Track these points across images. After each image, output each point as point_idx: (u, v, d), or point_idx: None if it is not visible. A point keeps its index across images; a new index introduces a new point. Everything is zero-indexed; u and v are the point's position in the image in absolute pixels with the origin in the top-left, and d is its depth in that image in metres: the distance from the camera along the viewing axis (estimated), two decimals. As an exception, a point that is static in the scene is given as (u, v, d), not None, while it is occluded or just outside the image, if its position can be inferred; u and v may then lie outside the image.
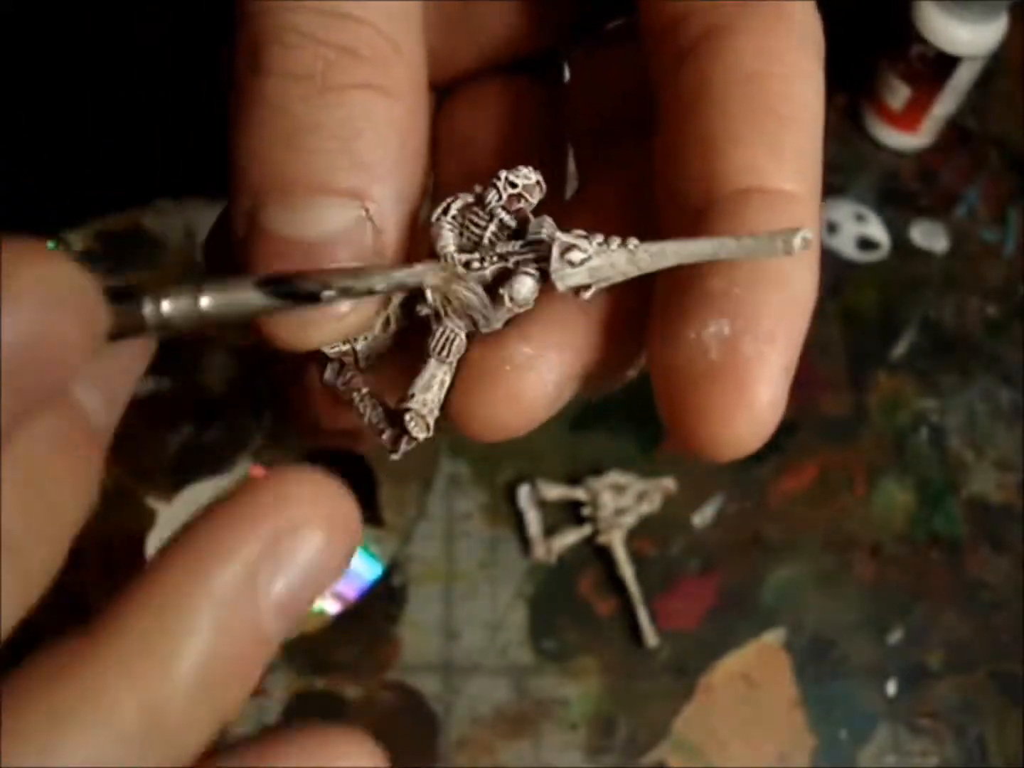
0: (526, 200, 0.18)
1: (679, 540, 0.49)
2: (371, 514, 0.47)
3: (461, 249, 0.18)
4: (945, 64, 0.54)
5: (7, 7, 0.53)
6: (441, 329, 0.18)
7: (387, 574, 0.46)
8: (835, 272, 0.56)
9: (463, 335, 0.18)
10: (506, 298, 0.17)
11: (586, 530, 0.49)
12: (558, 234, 0.17)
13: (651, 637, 0.47)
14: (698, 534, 0.50)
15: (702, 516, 0.50)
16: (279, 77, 0.17)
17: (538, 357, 0.17)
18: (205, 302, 0.16)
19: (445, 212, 0.18)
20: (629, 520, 0.48)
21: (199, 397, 0.48)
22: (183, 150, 0.52)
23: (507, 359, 0.17)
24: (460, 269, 0.17)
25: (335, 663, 0.46)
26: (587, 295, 0.17)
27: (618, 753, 0.46)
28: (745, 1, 0.18)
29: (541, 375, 0.17)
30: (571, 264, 0.16)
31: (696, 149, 0.17)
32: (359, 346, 0.19)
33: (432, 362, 0.18)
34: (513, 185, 0.18)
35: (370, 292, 0.17)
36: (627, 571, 0.48)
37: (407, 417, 0.18)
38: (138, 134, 0.53)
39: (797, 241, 0.15)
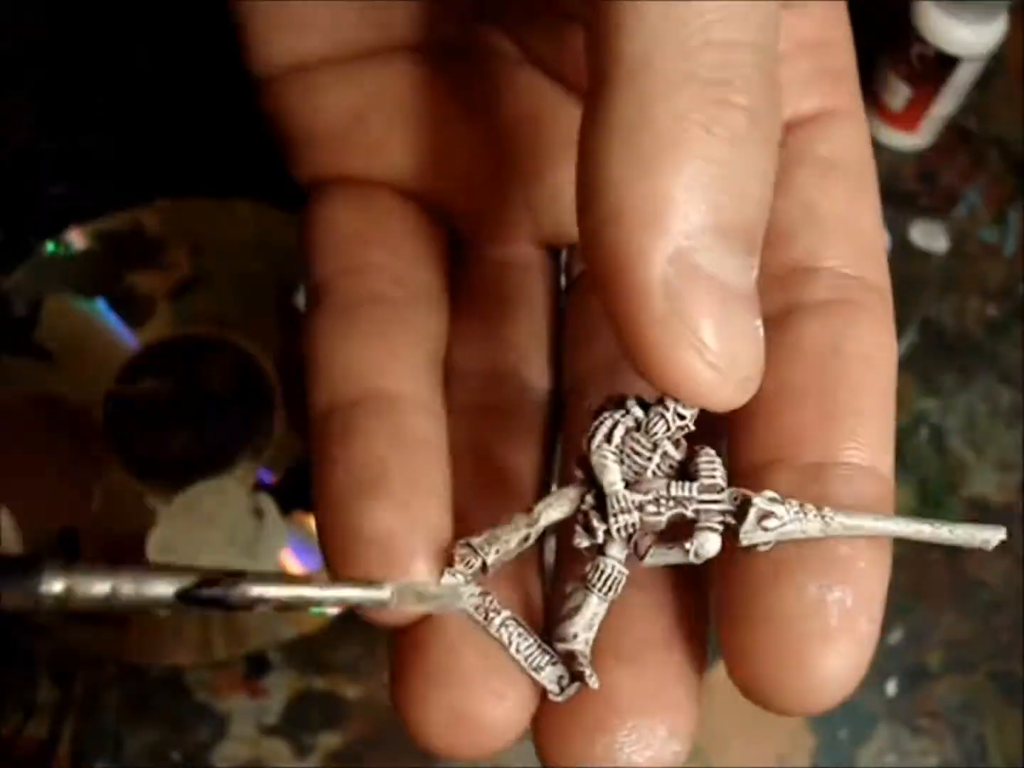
0: (688, 428, 0.17)
1: (679, 540, 0.49)
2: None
3: (624, 481, 0.17)
4: (945, 64, 0.54)
5: (9, 7, 0.53)
6: (607, 567, 0.17)
7: (387, 574, 0.46)
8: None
9: (625, 571, 0.17)
10: (691, 554, 0.17)
11: (586, 530, 0.48)
12: (756, 500, 0.16)
13: (651, 637, 0.47)
14: (698, 534, 0.50)
15: (702, 516, 0.50)
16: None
17: None
18: (113, 588, 0.14)
19: (608, 439, 0.17)
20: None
21: (199, 397, 0.48)
22: (183, 150, 0.52)
23: None
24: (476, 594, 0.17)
25: (335, 663, 0.46)
26: (764, 548, 0.17)
27: (618, 753, 0.46)
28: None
29: None
30: (764, 529, 0.16)
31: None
32: (490, 559, 0.17)
33: (594, 599, 0.17)
34: (682, 417, 0.17)
35: (309, 603, 0.16)
36: (627, 571, 0.48)
37: (579, 661, 0.17)
38: (138, 134, 0.53)
39: (996, 541, 0.16)
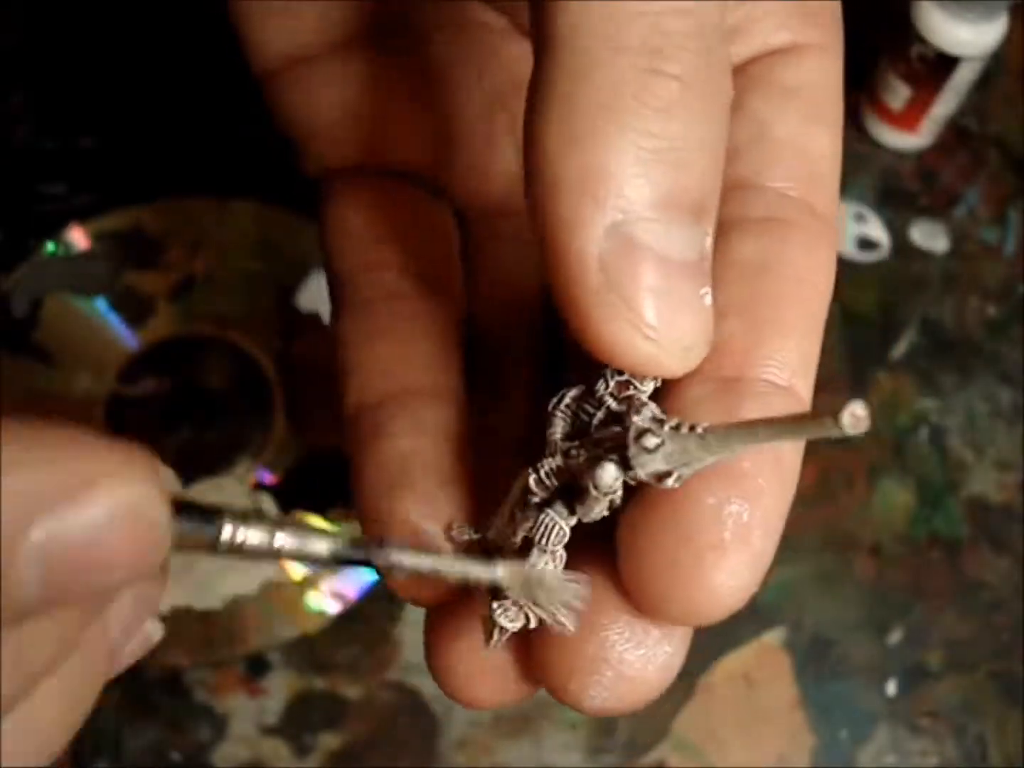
0: (635, 387, 0.18)
1: (679, 540, 0.49)
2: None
3: (568, 436, 0.18)
4: (945, 64, 0.54)
5: (9, 6, 0.53)
6: (543, 517, 0.18)
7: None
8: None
9: (564, 524, 0.18)
10: (591, 486, 0.17)
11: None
12: (635, 418, 0.16)
13: (651, 637, 0.47)
14: (698, 534, 0.50)
15: (702, 516, 0.50)
16: None
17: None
18: (279, 541, 0.16)
19: (559, 402, 0.18)
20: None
21: (199, 397, 0.48)
22: (183, 150, 0.52)
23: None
24: (534, 565, 0.17)
25: (335, 663, 0.46)
26: (670, 483, 0.16)
27: (618, 753, 0.46)
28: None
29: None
30: (647, 450, 0.16)
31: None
32: (491, 534, 0.19)
33: (535, 551, 0.18)
34: (620, 372, 0.17)
35: (436, 575, 0.17)
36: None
37: (495, 607, 0.18)
38: (138, 134, 0.53)
39: (846, 418, 0.15)
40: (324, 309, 0.49)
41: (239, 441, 0.47)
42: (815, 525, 0.50)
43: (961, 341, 0.55)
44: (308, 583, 0.45)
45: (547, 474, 0.18)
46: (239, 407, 0.48)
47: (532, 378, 0.22)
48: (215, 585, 0.45)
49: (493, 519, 0.19)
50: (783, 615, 0.48)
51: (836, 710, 0.47)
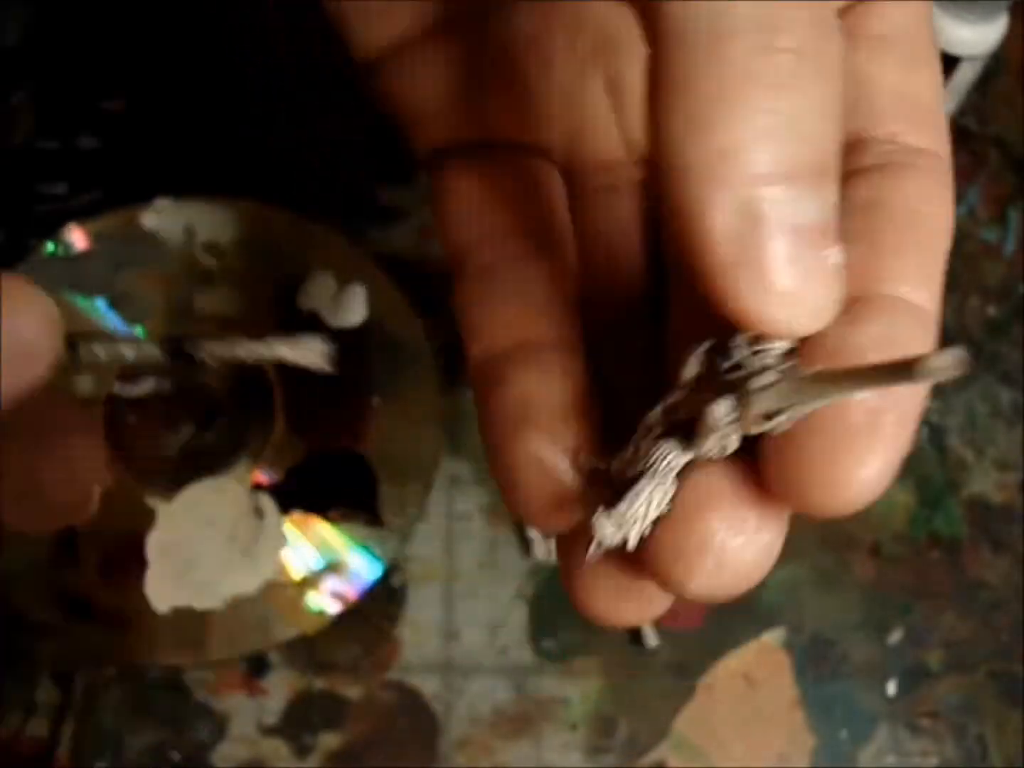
0: (767, 343, 0.18)
1: (679, 540, 0.49)
2: (371, 514, 0.47)
3: (698, 379, 0.18)
4: (945, 64, 0.54)
5: (8, 6, 0.53)
6: (657, 448, 0.18)
7: (387, 574, 0.46)
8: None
9: (677, 456, 0.18)
10: (704, 421, 0.17)
11: (586, 530, 0.49)
12: (755, 358, 0.17)
13: (651, 637, 0.47)
14: (698, 534, 0.49)
15: (702, 516, 0.50)
16: None
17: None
18: (123, 350, 0.18)
19: (695, 350, 0.19)
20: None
21: (199, 397, 0.48)
22: (183, 150, 0.52)
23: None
24: None
25: (335, 663, 0.46)
26: (779, 421, 0.17)
27: (618, 753, 0.46)
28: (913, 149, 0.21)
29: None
30: (764, 387, 0.17)
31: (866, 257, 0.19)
32: (614, 465, 0.19)
33: (644, 478, 0.18)
34: (759, 338, 0.18)
35: (252, 357, 0.18)
36: (627, 571, 0.48)
37: (596, 519, 0.18)
38: (137, 134, 0.53)
39: (939, 361, 0.16)
40: (324, 309, 0.49)
41: (239, 441, 0.47)
42: (815, 525, 0.50)
43: (961, 341, 0.55)
44: (308, 583, 0.45)
45: (669, 409, 0.18)
46: (239, 407, 0.48)
47: (643, 328, 0.23)
48: (215, 585, 0.45)
49: (618, 453, 0.19)
50: (783, 615, 0.48)
51: (836, 710, 0.47)
